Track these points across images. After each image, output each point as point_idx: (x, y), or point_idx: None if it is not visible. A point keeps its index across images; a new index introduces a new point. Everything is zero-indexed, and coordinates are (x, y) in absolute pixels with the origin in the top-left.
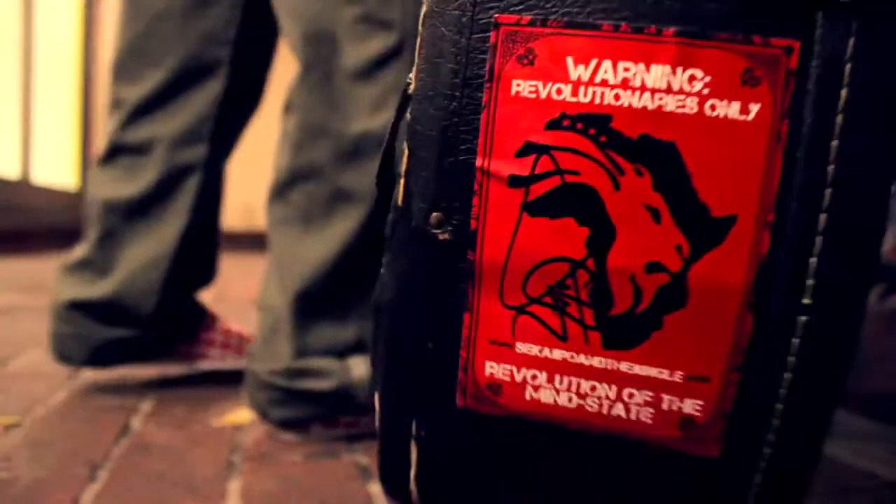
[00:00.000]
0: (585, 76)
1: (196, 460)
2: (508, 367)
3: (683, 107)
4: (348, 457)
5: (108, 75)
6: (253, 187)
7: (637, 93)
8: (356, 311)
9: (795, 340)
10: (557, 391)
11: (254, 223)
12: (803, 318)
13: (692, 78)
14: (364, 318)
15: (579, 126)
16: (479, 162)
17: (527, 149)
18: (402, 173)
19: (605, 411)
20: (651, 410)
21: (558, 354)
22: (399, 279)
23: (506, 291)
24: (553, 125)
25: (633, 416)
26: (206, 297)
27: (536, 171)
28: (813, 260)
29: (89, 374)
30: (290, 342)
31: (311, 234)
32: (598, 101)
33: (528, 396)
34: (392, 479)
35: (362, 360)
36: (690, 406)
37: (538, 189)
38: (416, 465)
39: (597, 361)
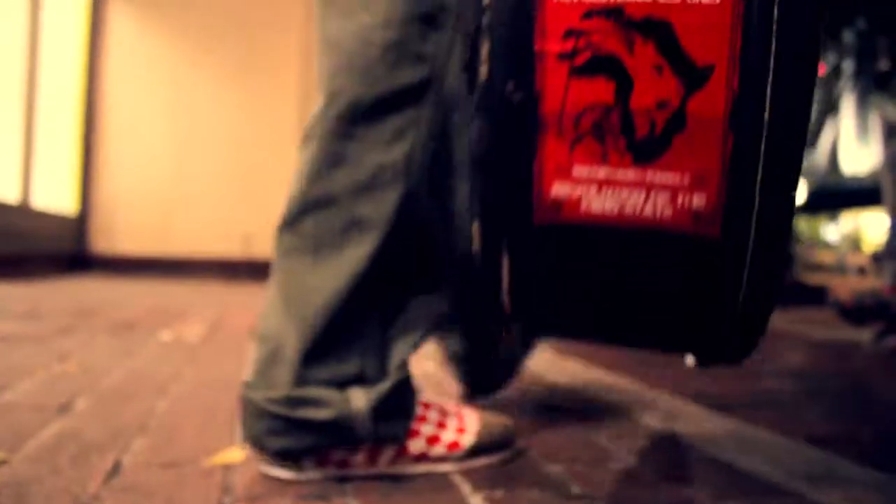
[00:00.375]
0: None
1: (186, 502)
2: (568, 186)
3: None
4: (339, 500)
5: (111, 101)
6: (251, 217)
7: None
8: (361, 341)
9: (763, 148)
10: (603, 201)
11: (252, 252)
12: (766, 131)
13: None
14: (368, 351)
15: (602, 15)
16: (537, 46)
17: (568, 34)
18: (485, 59)
19: (638, 212)
20: (671, 208)
21: (602, 173)
22: (486, 132)
23: (563, 131)
24: (585, 16)
25: (658, 214)
26: (202, 327)
27: (577, 48)
28: (769, 90)
29: (81, 408)
30: (291, 370)
31: (322, 264)
32: None
33: (582, 208)
34: (488, 295)
35: (363, 391)
36: (697, 201)
37: (578, 60)
38: (507, 278)
39: (630, 175)
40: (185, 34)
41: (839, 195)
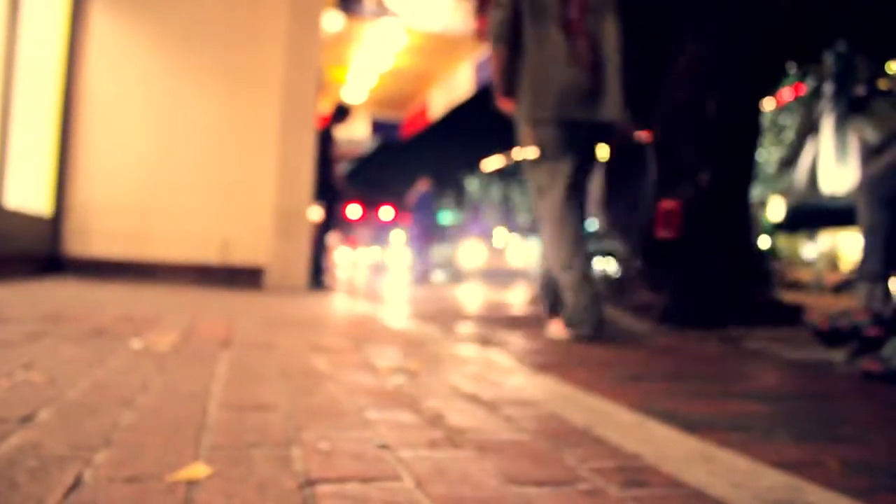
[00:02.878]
0: None
1: None
2: (661, 230)
3: None
4: None
5: (90, 102)
6: (229, 223)
7: None
8: None
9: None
10: (662, 231)
11: (229, 259)
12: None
13: None
14: None
15: None
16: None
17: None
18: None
19: (665, 234)
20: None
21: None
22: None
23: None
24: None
25: (664, 234)
26: (174, 335)
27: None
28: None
29: (43, 420)
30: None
31: None
32: None
33: (659, 234)
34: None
35: None
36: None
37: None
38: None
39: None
40: (166, 38)
41: (817, 214)
